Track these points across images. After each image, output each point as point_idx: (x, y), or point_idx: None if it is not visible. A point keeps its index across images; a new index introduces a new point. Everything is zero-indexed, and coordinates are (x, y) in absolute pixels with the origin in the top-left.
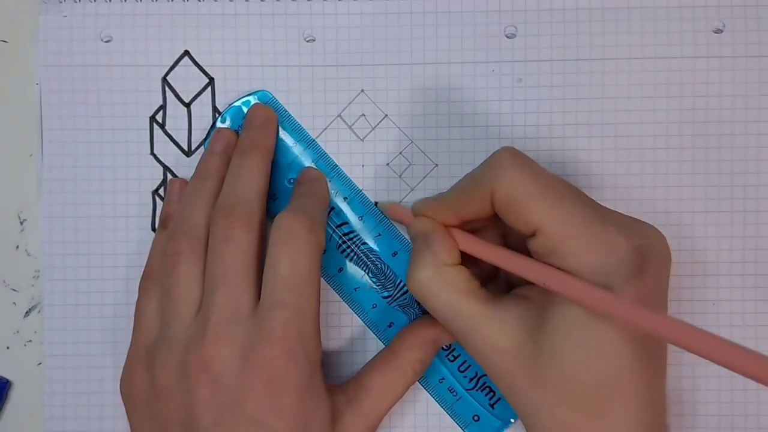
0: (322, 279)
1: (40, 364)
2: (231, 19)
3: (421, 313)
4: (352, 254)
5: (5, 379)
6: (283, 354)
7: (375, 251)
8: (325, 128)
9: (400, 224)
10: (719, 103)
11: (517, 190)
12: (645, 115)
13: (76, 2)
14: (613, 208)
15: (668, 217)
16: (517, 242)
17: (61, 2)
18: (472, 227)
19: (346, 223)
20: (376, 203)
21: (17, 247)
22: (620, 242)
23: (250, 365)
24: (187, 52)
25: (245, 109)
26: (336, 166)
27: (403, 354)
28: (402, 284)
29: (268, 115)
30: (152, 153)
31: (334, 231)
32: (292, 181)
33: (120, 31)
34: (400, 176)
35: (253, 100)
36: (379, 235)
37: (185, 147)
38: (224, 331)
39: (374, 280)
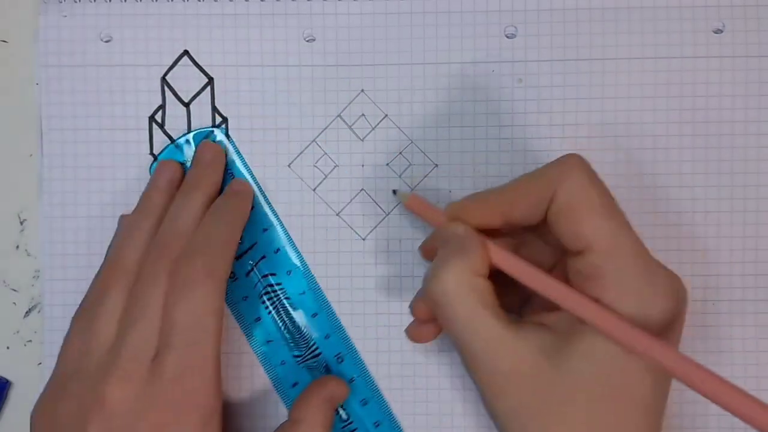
0: (239, 328)
1: (40, 364)
2: (231, 19)
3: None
4: (272, 306)
5: (5, 379)
6: (172, 400)
7: (296, 308)
8: (325, 128)
9: (419, 219)
10: (719, 103)
11: (581, 196)
12: (645, 115)
13: (76, 2)
14: None
15: (668, 217)
16: (547, 263)
17: (61, 2)
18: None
19: (274, 274)
20: (394, 191)
21: (17, 247)
22: (665, 287)
23: (141, 408)
24: (186, 52)
25: (191, 143)
26: (275, 214)
27: (305, 421)
28: (315, 346)
29: (215, 154)
30: (152, 153)
31: (259, 280)
32: None
33: (120, 31)
34: (400, 176)
35: (216, 133)
36: (304, 293)
37: None
38: (126, 371)
39: (288, 336)
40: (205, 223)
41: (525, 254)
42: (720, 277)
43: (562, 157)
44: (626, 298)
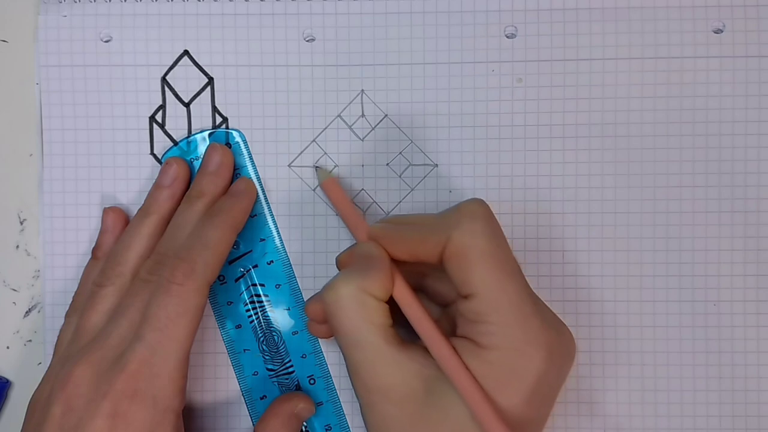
0: (219, 331)
1: (40, 364)
2: (231, 19)
3: None
4: (255, 317)
5: (5, 379)
6: (129, 390)
7: (279, 323)
8: (325, 128)
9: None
10: (719, 103)
11: (471, 243)
12: (645, 115)
13: (76, 2)
14: (613, 209)
15: (668, 217)
16: (448, 297)
17: (61, 2)
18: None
19: (263, 285)
20: (316, 167)
21: (17, 247)
22: (539, 343)
23: (99, 393)
24: (186, 52)
25: (206, 140)
26: (275, 225)
27: None
28: (290, 364)
29: (223, 158)
30: (152, 153)
31: (247, 288)
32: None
33: (120, 31)
34: (400, 176)
35: (235, 135)
36: (289, 309)
37: None
38: (96, 356)
39: (265, 348)
40: (199, 225)
41: (430, 284)
42: (721, 277)
43: (462, 202)
44: (503, 349)
